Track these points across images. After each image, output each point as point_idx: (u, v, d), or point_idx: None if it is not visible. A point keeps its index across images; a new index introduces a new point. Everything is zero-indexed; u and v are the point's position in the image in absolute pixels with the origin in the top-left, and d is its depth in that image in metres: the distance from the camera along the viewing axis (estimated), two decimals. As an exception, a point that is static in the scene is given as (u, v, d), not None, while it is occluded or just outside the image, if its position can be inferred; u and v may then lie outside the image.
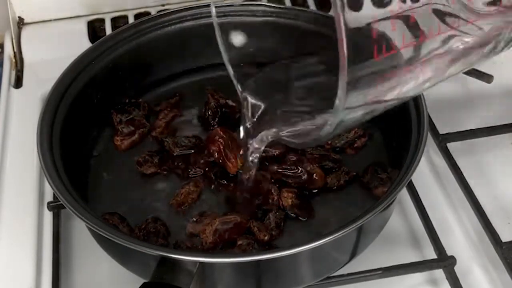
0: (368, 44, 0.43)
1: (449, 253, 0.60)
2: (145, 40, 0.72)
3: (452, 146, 0.70)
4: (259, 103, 0.59)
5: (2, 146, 0.72)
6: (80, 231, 0.64)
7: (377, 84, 0.46)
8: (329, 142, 0.66)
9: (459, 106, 0.78)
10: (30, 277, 0.60)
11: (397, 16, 0.45)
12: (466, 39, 0.49)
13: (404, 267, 0.59)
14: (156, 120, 0.71)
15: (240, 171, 0.63)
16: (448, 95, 0.79)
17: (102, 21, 0.91)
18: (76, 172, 0.61)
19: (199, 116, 0.71)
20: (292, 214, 0.61)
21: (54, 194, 0.66)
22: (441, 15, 0.47)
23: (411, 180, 0.57)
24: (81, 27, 0.89)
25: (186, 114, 0.72)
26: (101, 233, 0.52)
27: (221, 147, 0.64)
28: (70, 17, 0.91)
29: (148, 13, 0.90)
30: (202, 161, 0.65)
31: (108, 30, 0.89)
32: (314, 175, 0.63)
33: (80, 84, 0.66)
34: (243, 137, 0.60)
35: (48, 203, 0.65)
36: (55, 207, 0.65)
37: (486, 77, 0.77)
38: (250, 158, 0.60)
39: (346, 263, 0.57)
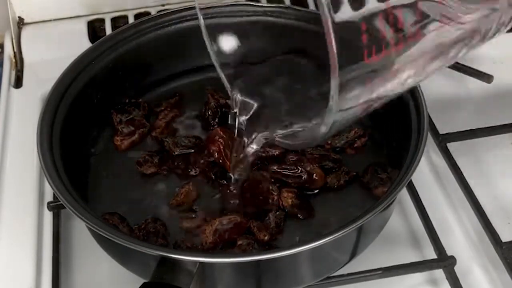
0: (359, 46, 0.43)
1: (449, 253, 0.60)
2: (145, 40, 0.72)
3: (452, 146, 0.70)
4: (250, 102, 0.59)
5: (2, 146, 0.72)
6: (80, 231, 0.64)
7: (368, 83, 0.46)
8: (329, 142, 0.66)
9: (459, 106, 0.78)
10: (30, 277, 0.60)
11: (385, 14, 0.45)
12: (455, 31, 0.49)
13: (404, 267, 0.59)
14: (156, 120, 0.71)
15: (232, 174, 0.62)
16: (448, 95, 0.79)
17: (102, 21, 0.91)
18: (76, 172, 0.61)
19: (199, 116, 0.71)
20: (292, 214, 0.61)
21: (54, 194, 0.66)
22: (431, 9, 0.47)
23: (411, 180, 0.57)
24: (81, 27, 0.90)
25: (186, 114, 0.72)
26: (101, 233, 0.52)
27: (221, 147, 0.64)
28: (70, 17, 0.91)
29: (148, 13, 0.90)
30: (202, 161, 0.65)
31: (108, 30, 0.89)
32: (314, 175, 0.63)
33: (80, 84, 0.66)
34: (236, 138, 0.60)
35: (48, 203, 0.65)
36: (55, 207, 0.65)
37: (486, 77, 0.77)
38: (245, 159, 0.60)
39: (346, 263, 0.57)
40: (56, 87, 0.64)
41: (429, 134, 0.60)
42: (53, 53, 0.84)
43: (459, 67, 0.79)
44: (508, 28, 0.54)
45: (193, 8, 0.71)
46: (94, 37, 0.88)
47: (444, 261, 0.59)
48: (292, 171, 0.63)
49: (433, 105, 0.65)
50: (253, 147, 0.59)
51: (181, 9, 0.73)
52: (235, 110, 0.60)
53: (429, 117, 0.62)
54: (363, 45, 0.43)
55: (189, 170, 0.65)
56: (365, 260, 0.59)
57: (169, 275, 0.49)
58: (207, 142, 0.65)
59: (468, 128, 0.71)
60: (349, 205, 0.62)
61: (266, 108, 0.60)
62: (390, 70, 0.46)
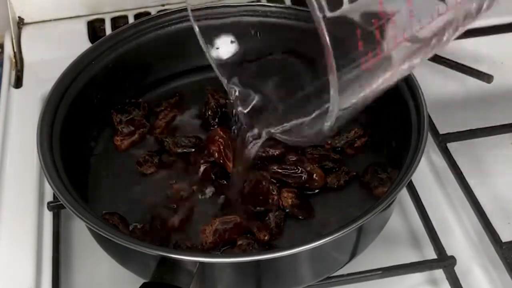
0: (355, 46, 0.44)
1: (449, 253, 0.60)
2: (145, 40, 0.72)
3: (452, 146, 0.70)
4: (249, 94, 0.60)
5: (2, 146, 0.72)
6: (80, 231, 0.64)
7: (366, 82, 0.46)
8: (329, 142, 0.66)
9: (459, 106, 0.78)
10: (30, 277, 0.60)
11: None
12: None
13: (404, 267, 0.59)
14: (156, 120, 0.71)
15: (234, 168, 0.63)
16: (448, 95, 0.79)
17: (102, 21, 0.91)
18: (76, 172, 0.61)
19: (199, 116, 0.71)
20: (292, 214, 0.61)
21: (54, 194, 0.66)
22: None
23: (411, 180, 0.57)
24: (81, 27, 0.90)
25: (186, 114, 0.72)
26: (101, 233, 0.52)
27: (221, 147, 0.64)
28: (70, 17, 0.91)
29: (148, 13, 0.90)
30: (202, 161, 0.65)
31: (108, 30, 0.89)
32: (314, 175, 0.63)
33: (80, 84, 0.66)
34: (235, 135, 0.60)
35: (48, 203, 0.65)
36: (55, 207, 0.65)
37: (486, 77, 0.77)
38: (247, 155, 0.60)
39: (346, 263, 0.57)
40: (56, 87, 0.64)
41: (429, 134, 0.60)
42: (53, 53, 0.84)
43: (459, 67, 0.79)
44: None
45: (196, 8, 0.71)
46: (94, 37, 0.88)
47: (444, 261, 0.59)
48: (292, 171, 0.63)
49: (433, 105, 0.65)
50: (255, 143, 0.59)
51: (181, 9, 0.73)
52: (233, 101, 0.60)
53: (429, 117, 0.62)
54: (358, 42, 0.43)
55: (189, 170, 0.65)
56: (365, 260, 0.59)
57: (169, 275, 0.49)
58: (207, 142, 0.65)
59: (468, 128, 0.71)
60: (349, 205, 0.62)
61: (265, 104, 0.60)
62: (389, 64, 0.47)
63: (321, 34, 0.41)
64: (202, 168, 0.65)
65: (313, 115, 0.56)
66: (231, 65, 0.62)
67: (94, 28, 0.91)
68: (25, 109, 0.77)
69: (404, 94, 0.63)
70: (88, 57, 0.68)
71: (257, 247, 0.58)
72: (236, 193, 0.62)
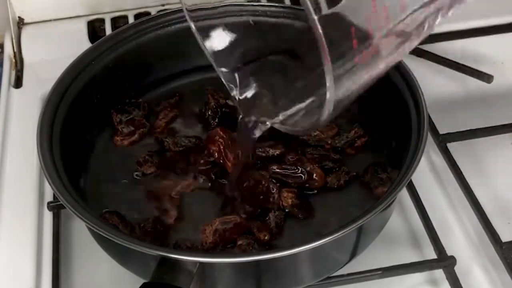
0: (349, 41, 0.45)
1: (449, 253, 0.60)
2: (145, 40, 0.72)
3: (452, 146, 0.70)
4: (247, 86, 0.60)
5: (2, 146, 0.72)
6: (80, 231, 0.64)
7: (360, 71, 0.47)
8: (329, 142, 0.66)
9: (459, 106, 0.78)
10: (30, 277, 0.60)
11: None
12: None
13: (404, 267, 0.59)
14: (156, 120, 0.71)
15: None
16: (448, 95, 0.79)
17: (102, 21, 0.91)
18: (76, 172, 0.61)
19: (199, 116, 0.71)
20: (292, 214, 0.61)
21: (54, 194, 0.66)
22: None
23: (411, 180, 0.57)
24: (81, 27, 0.90)
25: (186, 114, 0.72)
26: (101, 233, 0.52)
27: (221, 147, 0.64)
28: (70, 17, 0.91)
29: (148, 13, 0.90)
30: (202, 161, 0.65)
31: (108, 30, 0.89)
32: (314, 175, 0.63)
33: (80, 84, 0.66)
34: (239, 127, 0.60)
35: (48, 203, 0.65)
36: (55, 207, 0.65)
37: (486, 77, 0.77)
38: (247, 145, 0.61)
39: (346, 263, 0.57)
40: (56, 87, 0.64)
41: (429, 134, 0.60)
42: (53, 53, 0.84)
43: (459, 67, 0.79)
44: None
45: (193, 8, 0.72)
46: (94, 37, 0.88)
47: (444, 261, 0.59)
48: (292, 171, 0.63)
49: (433, 105, 0.65)
50: (255, 132, 0.59)
51: (181, 9, 0.72)
52: (233, 93, 0.60)
53: (429, 117, 0.62)
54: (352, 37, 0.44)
55: (189, 170, 0.65)
56: (365, 260, 0.59)
57: (169, 275, 0.49)
58: (207, 142, 0.65)
59: (468, 128, 0.71)
60: (349, 205, 0.62)
61: (262, 93, 0.61)
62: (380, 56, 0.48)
63: (312, 23, 0.41)
64: (202, 168, 0.65)
65: (308, 101, 0.57)
66: (229, 59, 0.62)
67: (94, 28, 0.91)
68: (25, 109, 0.77)
69: (404, 94, 0.63)
70: (88, 57, 0.68)
71: (257, 247, 0.58)
72: (236, 193, 0.62)
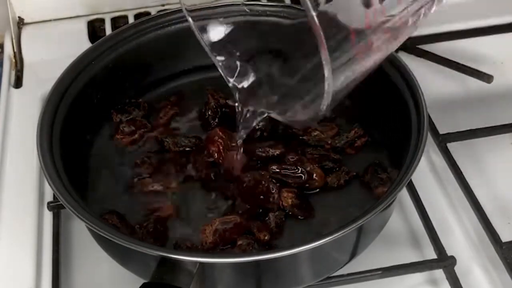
0: (347, 35, 0.46)
1: (449, 253, 0.60)
2: (145, 40, 0.72)
3: (452, 146, 0.70)
4: (245, 76, 0.61)
5: (2, 146, 0.72)
6: (80, 231, 0.64)
7: (357, 62, 0.48)
8: (329, 142, 0.66)
9: (459, 106, 0.78)
10: (30, 277, 0.60)
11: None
12: None
13: (404, 267, 0.59)
14: (156, 118, 0.71)
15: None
16: (448, 95, 0.79)
17: (102, 21, 0.91)
18: (76, 172, 0.61)
19: (199, 116, 0.71)
20: (292, 214, 0.61)
21: (54, 194, 0.66)
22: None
23: (411, 180, 0.57)
24: (81, 27, 0.90)
25: (186, 114, 0.72)
26: (101, 233, 0.52)
27: (221, 147, 0.64)
28: (70, 17, 0.91)
29: (148, 13, 0.90)
30: (201, 161, 0.65)
31: (108, 30, 0.89)
32: (314, 175, 0.63)
33: (80, 84, 0.66)
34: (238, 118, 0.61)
35: (48, 203, 0.65)
36: (55, 207, 0.65)
37: (486, 77, 0.77)
38: (241, 133, 0.61)
39: (346, 263, 0.57)
40: (56, 87, 0.64)
41: (429, 134, 0.60)
42: (53, 53, 0.84)
43: (459, 67, 0.79)
44: None
45: (193, 8, 0.72)
46: (94, 37, 0.88)
47: (444, 261, 0.59)
48: (292, 171, 0.63)
49: (433, 105, 0.65)
50: (252, 122, 0.60)
51: (181, 9, 0.73)
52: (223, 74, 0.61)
53: (429, 117, 0.62)
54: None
55: (189, 170, 0.65)
56: (365, 260, 0.59)
57: (169, 275, 0.49)
58: (207, 142, 0.65)
59: (468, 128, 0.71)
60: (349, 205, 0.62)
61: (261, 84, 0.62)
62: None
63: (311, 19, 0.43)
64: (201, 168, 0.65)
65: (306, 92, 0.57)
66: (226, 50, 0.63)
67: (94, 28, 0.91)
68: (25, 109, 0.77)
69: (404, 94, 0.63)
70: (88, 57, 0.68)
71: (257, 247, 0.58)
72: (236, 193, 0.62)
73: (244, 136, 0.62)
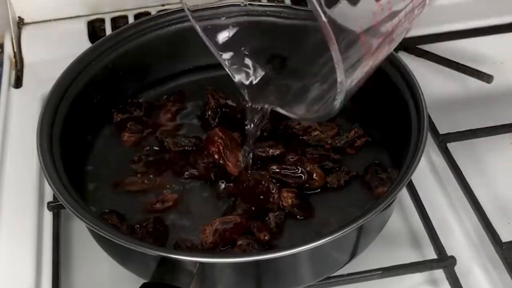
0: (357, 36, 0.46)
1: (449, 253, 0.60)
2: (145, 40, 0.72)
3: (452, 146, 0.70)
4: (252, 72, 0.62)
5: (2, 146, 0.72)
6: (80, 231, 0.64)
7: (367, 60, 0.49)
8: (329, 142, 0.66)
9: (459, 106, 0.78)
10: (30, 277, 0.60)
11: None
12: None
13: (404, 267, 0.59)
14: (159, 115, 0.71)
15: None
16: (448, 95, 0.79)
17: (102, 21, 0.91)
18: (76, 172, 0.61)
19: (199, 116, 0.71)
20: (292, 214, 0.61)
21: (54, 194, 0.66)
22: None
23: (411, 180, 0.57)
24: (81, 27, 0.90)
25: (186, 114, 0.72)
26: (101, 233, 0.52)
27: (221, 147, 0.64)
28: (70, 17, 0.91)
29: (148, 13, 0.90)
30: (201, 161, 0.65)
31: (108, 30, 0.89)
32: (314, 175, 0.63)
33: (80, 84, 0.66)
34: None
35: (48, 203, 0.65)
36: (55, 207, 0.65)
37: (486, 77, 0.77)
38: (252, 131, 0.62)
39: (346, 263, 0.57)
40: (56, 87, 0.64)
41: (429, 134, 0.60)
42: (53, 53, 0.84)
43: (459, 67, 0.79)
44: None
45: (195, 9, 0.72)
46: (94, 37, 0.88)
47: (444, 261, 0.59)
48: (292, 171, 0.63)
49: (433, 105, 0.65)
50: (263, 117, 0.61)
51: (181, 9, 0.73)
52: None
53: (429, 117, 0.62)
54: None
55: (189, 171, 0.65)
56: (365, 260, 0.59)
57: (169, 275, 0.49)
58: (206, 143, 0.65)
59: (468, 128, 0.71)
60: (349, 205, 0.62)
61: (269, 82, 0.62)
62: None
63: (323, 25, 0.43)
64: (201, 168, 0.65)
65: (316, 91, 0.59)
66: (232, 48, 0.64)
67: (94, 28, 0.91)
68: (25, 109, 0.77)
69: (404, 94, 0.63)
70: (88, 57, 0.68)
71: (257, 247, 0.58)
72: (236, 193, 0.62)
73: (256, 133, 0.63)
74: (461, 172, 0.67)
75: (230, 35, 0.64)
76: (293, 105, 0.61)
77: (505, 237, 0.61)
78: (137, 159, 0.66)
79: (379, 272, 0.58)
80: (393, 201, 0.55)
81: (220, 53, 0.63)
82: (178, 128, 0.70)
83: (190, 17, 0.61)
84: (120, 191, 0.64)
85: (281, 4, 0.72)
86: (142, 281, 0.50)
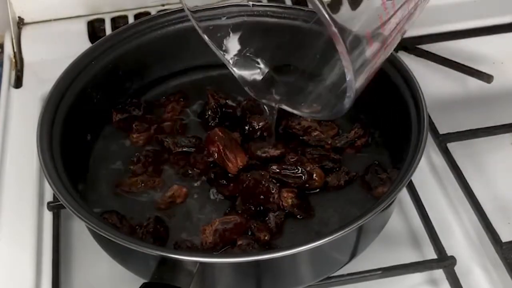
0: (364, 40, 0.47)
1: (449, 253, 0.60)
2: (145, 40, 0.72)
3: (452, 146, 0.70)
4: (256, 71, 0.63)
5: (2, 146, 0.72)
6: (80, 231, 0.64)
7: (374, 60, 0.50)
8: (329, 142, 0.66)
9: (459, 106, 0.78)
10: (30, 277, 0.60)
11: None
12: None
13: (404, 267, 0.59)
14: (164, 113, 0.71)
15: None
16: (448, 95, 0.79)
17: (102, 21, 0.91)
18: (76, 172, 0.61)
19: (199, 116, 0.71)
20: (292, 214, 0.61)
21: (54, 194, 0.66)
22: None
23: (411, 180, 0.57)
24: (81, 27, 0.89)
25: (186, 114, 0.72)
26: (101, 233, 0.52)
27: (221, 147, 0.64)
28: (70, 17, 0.91)
29: (148, 13, 0.90)
30: (201, 161, 0.65)
31: (108, 30, 0.89)
32: (314, 175, 0.63)
33: (80, 84, 0.66)
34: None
35: (48, 203, 0.65)
36: (55, 207, 0.65)
37: (486, 77, 0.77)
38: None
39: (346, 263, 0.57)
40: (56, 87, 0.64)
41: (429, 134, 0.60)
42: (53, 53, 0.84)
43: (459, 67, 0.79)
44: None
45: (196, 10, 0.72)
46: (94, 37, 0.88)
47: (444, 261, 0.59)
48: (292, 171, 0.63)
49: (433, 105, 0.65)
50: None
51: (181, 9, 0.73)
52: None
53: (429, 117, 0.62)
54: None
55: (188, 171, 0.65)
56: (365, 260, 0.59)
57: (169, 275, 0.49)
58: (206, 143, 0.65)
59: (468, 128, 0.71)
60: (349, 205, 0.62)
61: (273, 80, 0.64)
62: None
63: (334, 36, 0.44)
64: (201, 168, 0.65)
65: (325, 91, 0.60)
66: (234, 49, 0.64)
67: (94, 28, 0.91)
68: (25, 109, 0.77)
69: (404, 94, 0.63)
70: (88, 57, 0.68)
71: (257, 247, 0.58)
72: (236, 193, 0.62)
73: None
74: (461, 172, 0.67)
75: (232, 35, 0.64)
76: (296, 102, 0.61)
77: (505, 237, 0.61)
78: (136, 159, 0.66)
79: (379, 272, 0.58)
80: (393, 201, 0.55)
81: (222, 52, 0.63)
82: (178, 128, 0.70)
83: (191, 18, 0.61)
84: (120, 191, 0.64)
85: (282, 5, 0.72)
86: (142, 281, 0.50)
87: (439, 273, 0.60)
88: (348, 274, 0.58)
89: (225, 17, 0.65)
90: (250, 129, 0.67)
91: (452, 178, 0.67)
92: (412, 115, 0.61)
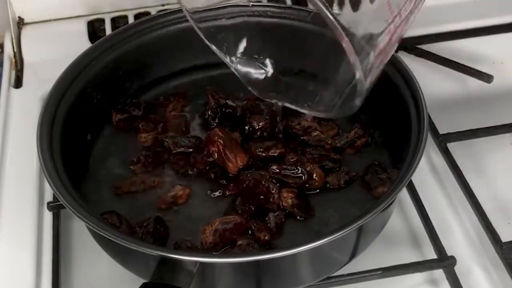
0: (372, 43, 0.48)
1: (449, 253, 0.60)
2: (145, 40, 0.72)
3: (452, 146, 0.70)
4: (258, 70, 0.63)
5: (2, 146, 0.72)
6: (80, 231, 0.64)
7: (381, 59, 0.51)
8: (329, 142, 0.66)
9: (459, 106, 0.78)
10: (30, 277, 0.60)
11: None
12: None
13: (404, 267, 0.59)
14: (166, 112, 0.71)
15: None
16: (448, 95, 0.79)
17: (102, 21, 0.91)
18: (76, 172, 0.61)
19: (199, 116, 0.71)
20: (292, 214, 0.61)
21: (54, 194, 0.66)
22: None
23: (411, 180, 0.57)
24: (81, 27, 0.89)
25: (186, 114, 0.72)
26: (101, 233, 0.52)
27: (221, 147, 0.64)
28: (70, 17, 0.91)
29: (148, 13, 0.90)
30: (201, 161, 0.65)
31: (108, 30, 0.89)
32: (314, 175, 0.63)
33: (80, 84, 0.66)
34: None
35: (48, 203, 0.65)
36: (55, 207, 0.65)
37: (486, 77, 0.77)
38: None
39: (346, 263, 0.57)
40: (56, 87, 0.64)
41: (429, 134, 0.60)
42: (53, 53, 0.84)
43: (459, 67, 0.79)
44: None
45: (195, 10, 0.72)
46: (94, 37, 0.88)
47: (444, 261, 0.59)
48: (292, 171, 0.63)
49: (433, 105, 0.65)
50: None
51: (181, 9, 0.73)
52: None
53: (429, 117, 0.62)
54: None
55: (188, 171, 0.65)
56: (365, 260, 0.59)
57: (169, 275, 0.49)
58: (206, 143, 0.65)
59: (468, 128, 0.71)
60: (349, 205, 0.62)
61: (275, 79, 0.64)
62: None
63: (344, 42, 0.45)
64: (201, 169, 0.65)
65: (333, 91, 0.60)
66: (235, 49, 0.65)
67: (94, 28, 0.91)
68: (25, 109, 0.77)
69: (404, 94, 0.63)
70: (88, 57, 0.68)
71: (257, 247, 0.58)
72: (236, 192, 0.62)
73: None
74: (461, 172, 0.67)
75: (232, 35, 0.64)
76: (298, 100, 0.62)
77: (505, 237, 0.61)
78: (136, 159, 0.66)
79: (379, 272, 0.58)
80: (393, 201, 0.55)
81: (224, 53, 0.63)
82: (178, 128, 0.70)
83: (190, 20, 0.61)
84: (120, 191, 0.64)
85: (282, 5, 0.72)
86: (142, 281, 0.50)
87: (439, 273, 0.60)
88: (348, 274, 0.58)
89: (225, 18, 0.65)
90: (250, 129, 0.67)
91: (452, 178, 0.67)
92: (412, 115, 0.61)
